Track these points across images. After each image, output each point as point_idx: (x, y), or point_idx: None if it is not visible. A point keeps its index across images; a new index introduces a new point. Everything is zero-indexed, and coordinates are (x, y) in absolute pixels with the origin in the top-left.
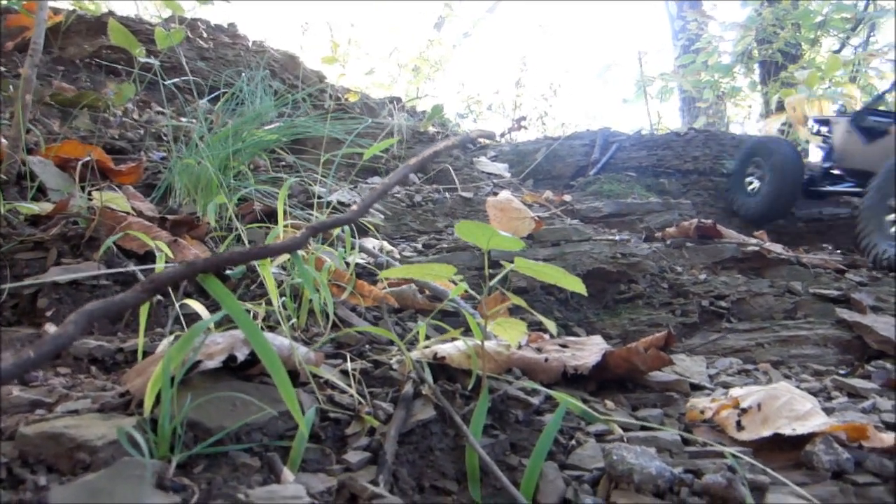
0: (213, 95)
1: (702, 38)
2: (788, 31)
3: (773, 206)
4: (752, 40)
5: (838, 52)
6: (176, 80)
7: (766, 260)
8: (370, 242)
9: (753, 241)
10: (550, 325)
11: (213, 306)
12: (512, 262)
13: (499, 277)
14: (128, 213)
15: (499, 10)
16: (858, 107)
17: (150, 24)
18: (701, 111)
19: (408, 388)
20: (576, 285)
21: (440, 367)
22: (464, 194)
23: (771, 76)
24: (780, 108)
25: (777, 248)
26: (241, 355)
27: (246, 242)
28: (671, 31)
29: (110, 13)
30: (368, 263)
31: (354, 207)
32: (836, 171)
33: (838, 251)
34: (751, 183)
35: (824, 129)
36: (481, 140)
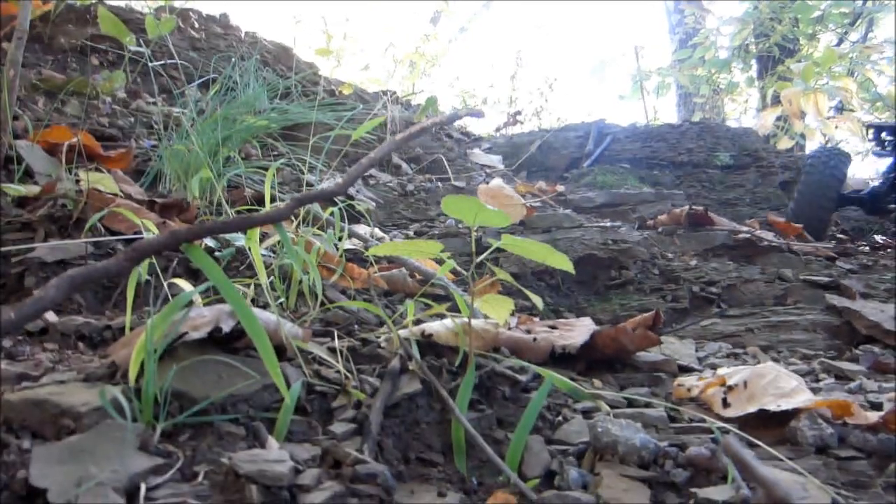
0: (202, 80)
1: (699, 32)
2: (786, 24)
3: (797, 222)
4: (749, 34)
5: (837, 46)
6: (165, 62)
7: (757, 247)
8: (361, 228)
9: (745, 228)
10: (537, 301)
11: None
12: (504, 245)
13: (487, 253)
14: (116, 195)
15: (495, 4)
16: (855, 101)
17: (141, 13)
18: (698, 106)
19: (394, 362)
20: (563, 263)
21: (428, 345)
22: (456, 183)
23: (768, 71)
24: (776, 101)
25: (768, 236)
26: (227, 327)
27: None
28: (668, 26)
29: (100, 2)
30: (359, 248)
31: (341, 180)
32: None
33: (832, 236)
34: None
35: (887, 137)
36: (476, 132)
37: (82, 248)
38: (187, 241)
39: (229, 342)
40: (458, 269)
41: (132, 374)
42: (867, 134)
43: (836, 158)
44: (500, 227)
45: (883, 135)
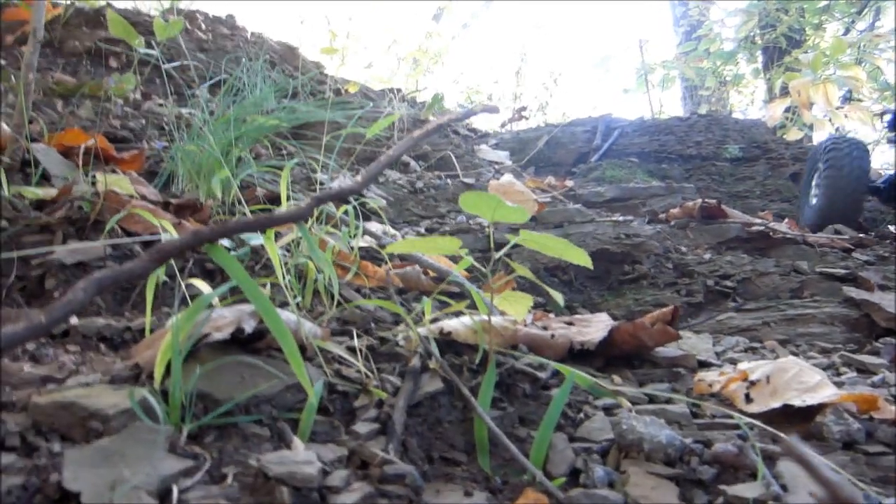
0: (212, 82)
1: (703, 24)
2: (792, 15)
3: (827, 216)
4: (755, 26)
5: (844, 36)
6: (175, 63)
7: (771, 240)
8: (374, 226)
9: (758, 220)
10: (557, 297)
11: (219, 287)
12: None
13: (505, 250)
14: (132, 197)
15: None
16: (864, 90)
17: (149, 15)
18: (703, 99)
19: (415, 361)
20: (581, 258)
21: (446, 343)
22: (465, 180)
23: (774, 62)
24: (785, 92)
25: (782, 228)
26: (249, 327)
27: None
28: (672, 18)
29: (108, 5)
30: (373, 246)
31: (360, 177)
32: None
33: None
34: (815, 192)
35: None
36: (483, 129)
37: (101, 250)
38: (210, 241)
39: (251, 342)
40: (475, 264)
41: (157, 376)
42: (881, 121)
43: (858, 148)
44: (515, 222)
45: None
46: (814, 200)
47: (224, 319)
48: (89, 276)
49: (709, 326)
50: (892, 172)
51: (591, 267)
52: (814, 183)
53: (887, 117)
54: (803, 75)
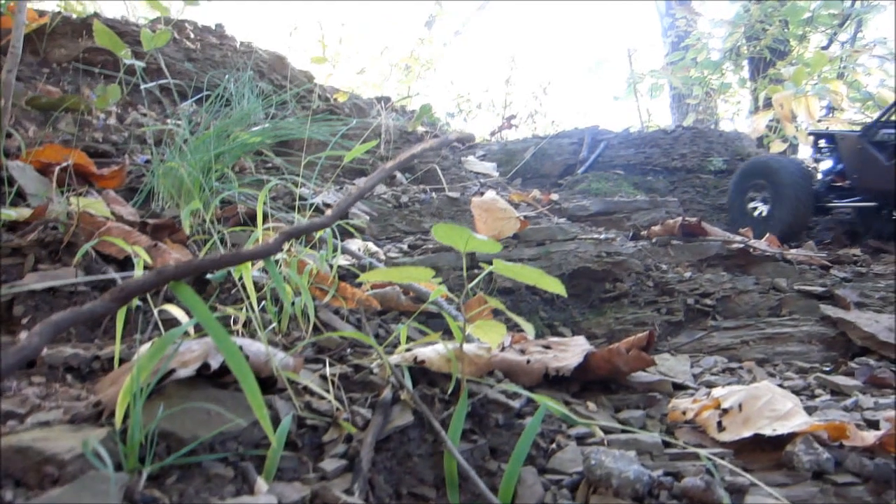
0: (197, 97)
1: (691, 34)
2: (776, 27)
3: (787, 229)
4: (740, 37)
5: (826, 47)
6: (159, 82)
7: (751, 257)
8: (355, 244)
9: (738, 238)
10: (528, 328)
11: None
12: (499, 258)
13: (477, 280)
14: (107, 219)
15: (489, 8)
16: (844, 104)
17: (137, 25)
18: (691, 108)
19: (386, 393)
20: (555, 286)
21: (421, 371)
22: (451, 194)
23: (760, 72)
24: (769, 104)
25: (762, 245)
26: (216, 363)
27: (228, 246)
28: (661, 29)
29: (95, 15)
30: (352, 265)
31: (330, 212)
32: (841, 185)
33: (827, 241)
34: (755, 208)
35: (823, 143)
36: (463, 142)
37: (72, 275)
38: (175, 279)
39: (219, 376)
40: (450, 295)
41: (118, 416)
42: (808, 140)
43: (801, 165)
44: (488, 253)
45: (821, 142)
46: (759, 213)
47: (192, 353)
48: (47, 320)
49: (688, 346)
50: (816, 186)
51: (565, 294)
52: (755, 199)
53: (811, 139)
54: (786, 88)
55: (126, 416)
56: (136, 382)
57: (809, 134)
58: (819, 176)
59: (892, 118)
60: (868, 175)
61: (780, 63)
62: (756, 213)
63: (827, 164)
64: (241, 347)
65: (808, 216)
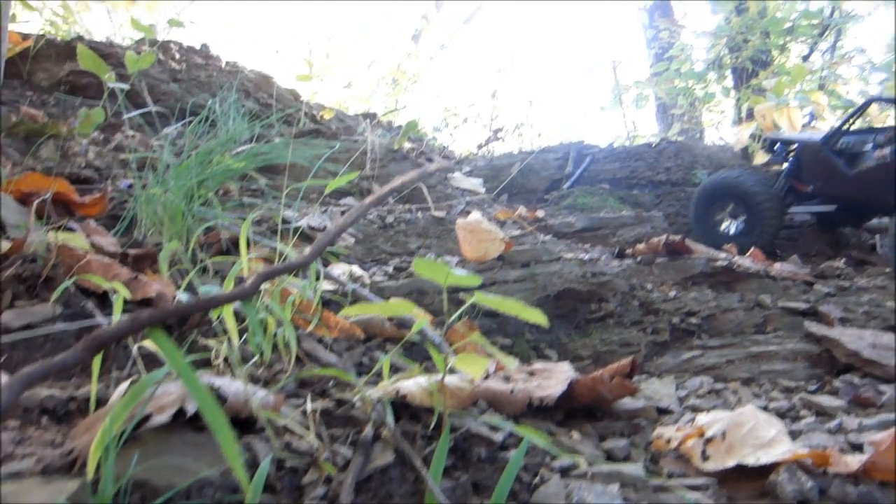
0: (182, 122)
1: (674, 46)
2: (758, 38)
3: (761, 243)
4: (723, 48)
5: (807, 57)
6: (142, 111)
7: (735, 274)
8: (339, 268)
9: (722, 255)
10: (510, 363)
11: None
12: (483, 282)
13: (459, 312)
14: (87, 251)
15: (475, 21)
16: (825, 113)
17: (122, 47)
18: (676, 118)
19: (368, 430)
20: (536, 317)
21: (404, 405)
22: (436, 214)
23: (743, 82)
24: (752, 115)
25: (746, 262)
26: (192, 408)
27: (211, 274)
28: (645, 40)
29: (80, 38)
30: (336, 292)
31: (307, 252)
32: (800, 189)
33: (811, 254)
34: (725, 225)
35: (780, 147)
36: (457, 153)
37: (49, 312)
38: (149, 325)
39: (198, 418)
40: (431, 329)
41: (91, 466)
42: (764, 145)
43: (766, 180)
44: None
45: (776, 146)
46: (731, 229)
47: (168, 397)
48: (18, 374)
49: (674, 366)
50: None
51: (547, 325)
52: (722, 216)
53: (767, 144)
54: (768, 100)
55: (99, 467)
56: (109, 433)
57: (765, 139)
58: (779, 181)
59: (853, 127)
60: (830, 184)
61: (762, 73)
62: (726, 230)
63: (784, 167)
64: (218, 389)
65: (780, 227)
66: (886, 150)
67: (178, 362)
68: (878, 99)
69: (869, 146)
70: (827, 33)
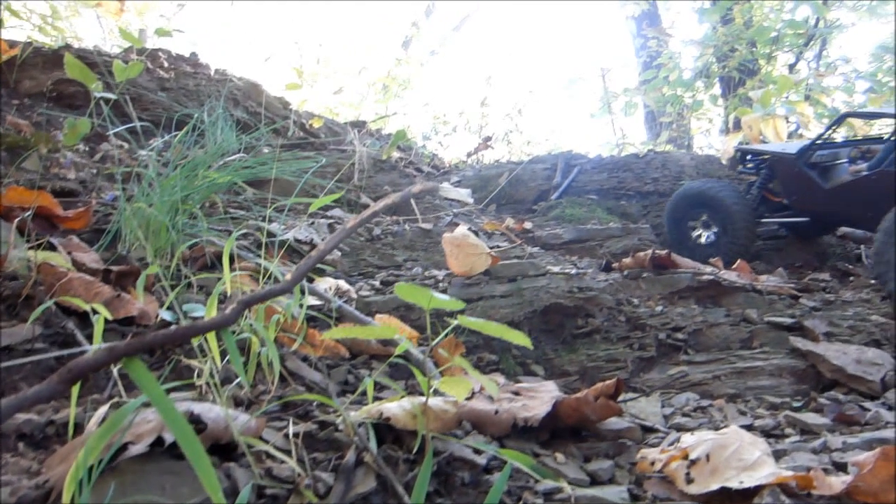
0: (169, 137)
1: (662, 54)
2: (744, 48)
3: (736, 253)
4: (710, 57)
5: (793, 65)
6: (128, 126)
7: (721, 288)
8: (325, 283)
9: (708, 269)
10: (492, 388)
11: (156, 363)
12: (470, 297)
13: (444, 335)
14: (68, 270)
15: (465, 28)
16: (811, 124)
17: (110, 55)
18: (664, 126)
19: (350, 456)
20: (519, 338)
21: (387, 427)
22: (423, 226)
23: (731, 90)
24: (739, 125)
25: (731, 276)
26: (170, 437)
27: (195, 290)
28: (633, 49)
29: (67, 46)
30: (322, 308)
31: (289, 277)
32: (772, 200)
33: (797, 265)
34: (699, 235)
35: (751, 158)
36: (446, 162)
37: (29, 332)
38: (126, 356)
39: (177, 445)
40: (415, 347)
41: (65, 499)
42: (736, 156)
43: (737, 190)
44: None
45: (748, 157)
46: (705, 239)
47: (147, 425)
48: None
49: (660, 381)
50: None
51: (531, 347)
52: (696, 226)
53: (738, 155)
54: (755, 110)
55: (73, 499)
56: (84, 465)
57: (736, 150)
58: (751, 191)
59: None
60: (806, 197)
61: (749, 82)
62: (700, 241)
63: (757, 178)
64: (198, 416)
65: (753, 237)
66: (862, 165)
67: (155, 393)
68: (853, 114)
69: (843, 160)
70: (812, 42)
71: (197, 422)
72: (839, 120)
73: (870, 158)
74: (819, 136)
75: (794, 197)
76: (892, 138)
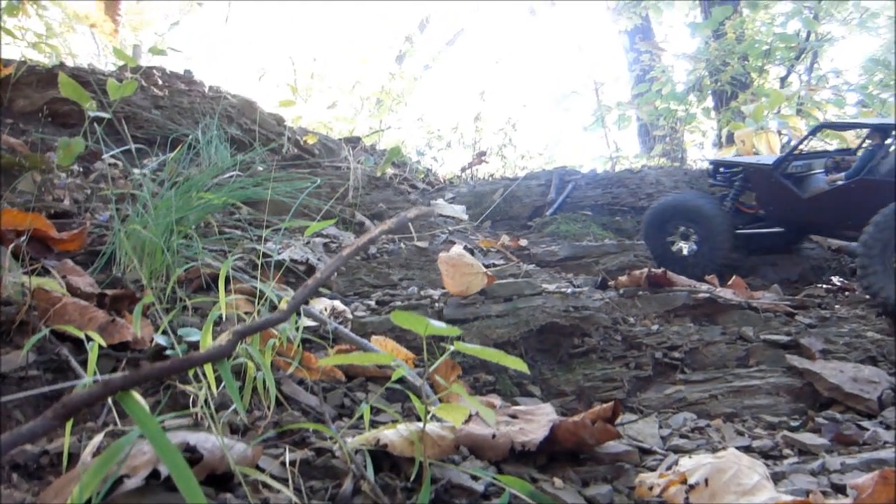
0: (160, 158)
1: (655, 67)
2: (736, 63)
3: (716, 265)
4: (703, 71)
5: (785, 78)
6: (121, 149)
7: (717, 305)
8: (320, 304)
9: (704, 287)
10: (488, 415)
11: (152, 389)
12: (466, 316)
13: (440, 360)
14: (63, 295)
15: (459, 42)
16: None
17: (104, 73)
18: (658, 139)
19: (347, 485)
20: (516, 363)
21: (384, 453)
22: (419, 244)
23: (724, 103)
24: (731, 139)
25: (727, 294)
26: (166, 470)
27: (191, 313)
28: (626, 62)
29: (62, 65)
30: (317, 330)
31: (284, 306)
32: (746, 211)
33: (793, 280)
34: (678, 247)
35: (723, 172)
36: (441, 177)
37: (24, 360)
38: (122, 389)
39: None
40: (411, 369)
41: None
42: (708, 169)
43: (716, 202)
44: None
45: (720, 169)
46: (684, 250)
47: (142, 457)
48: None
49: (657, 401)
50: None
51: (527, 371)
52: (675, 238)
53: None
54: (747, 125)
55: None
56: (80, 501)
57: (711, 163)
58: (726, 202)
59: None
60: (783, 207)
61: (742, 95)
62: (680, 252)
63: (731, 190)
64: (194, 447)
65: (731, 248)
66: (839, 175)
67: (150, 427)
68: (829, 125)
69: (819, 170)
70: (803, 56)
71: (192, 452)
72: (815, 130)
73: (845, 168)
74: (795, 147)
75: (771, 207)
76: (870, 147)
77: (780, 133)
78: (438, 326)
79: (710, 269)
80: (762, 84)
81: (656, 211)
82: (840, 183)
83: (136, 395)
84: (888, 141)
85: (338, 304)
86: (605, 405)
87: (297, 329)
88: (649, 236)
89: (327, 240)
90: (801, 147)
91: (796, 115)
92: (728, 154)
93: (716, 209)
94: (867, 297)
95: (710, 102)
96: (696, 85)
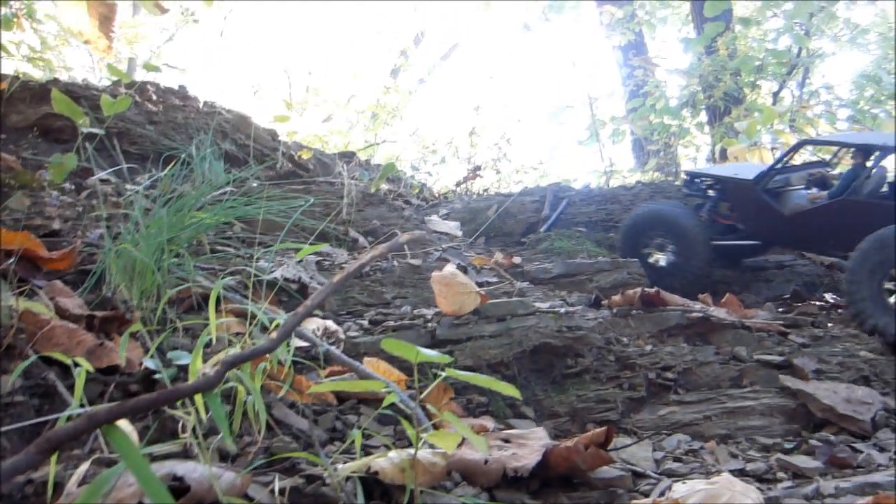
0: (153, 175)
1: (648, 83)
2: (728, 79)
3: (693, 277)
4: (696, 86)
5: (777, 93)
6: (115, 168)
7: (711, 324)
8: (312, 324)
9: (698, 306)
10: (480, 443)
11: (141, 414)
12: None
13: (433, 385)
14: (51, 318)
15: (453, 56)
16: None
17: (98, 88)
18: (652, 154)
19: None
20: (508, 389)
21: (375, 480)
22: (412, 261)
23: (717, 118)
24: (725, 156)
25: (721, 313)
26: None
27: (181, 335)
28: (620, 77)
29: (55, 80)
30: (309, 351)
31: (276, 335)
32: (722, 223)
33: (785, 297)
34: (654, 258)
35: (702, 183)
36: (436, 192)
37: (9, 385)
38: (107, 422)
39: None
40: (403, 391)
41: None
42: (683, 179)
43: (694, 214)
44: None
45: (696, 180)
46: (661, 263)
47: (129, 489)
48: None
49: (651, 422)
50: None
51: (520, 397)
52: (650, 249)
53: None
54: (739, 141)
55: None
56: None
57: (686, 173)
58: (703, 213)
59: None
60: (764, 223)
61: (735, 110)
62: (656, 263)
63: (703, 201)
64: (181, 478)
65: (708, 259)
66: (818, 192)
67: (135, 461)
68: (810, 141)
69: (799, 185)
70: (795, 71)
71: (180, 482)
72: (796, 147)
73: (823, 184)
74: (776, 162)
75: (752, 222)
76: (852, 166)
77: (773, 149)
78: (429, 354)
79: (687, 279)
80: (755, 99)
81: (632, 222)
82: (822, 202)
83: (123, 424)
84: (869, 162)
85: (330, 324)
86: (598, 430)
87: (288, 351)
88: (625, 248)
89: (320, 258)
90: (781, 163)
91: (789, 130)
92: None
93: (692, 220)
94: (853, 323)
95: (703, 117)
96: (689, 100)
